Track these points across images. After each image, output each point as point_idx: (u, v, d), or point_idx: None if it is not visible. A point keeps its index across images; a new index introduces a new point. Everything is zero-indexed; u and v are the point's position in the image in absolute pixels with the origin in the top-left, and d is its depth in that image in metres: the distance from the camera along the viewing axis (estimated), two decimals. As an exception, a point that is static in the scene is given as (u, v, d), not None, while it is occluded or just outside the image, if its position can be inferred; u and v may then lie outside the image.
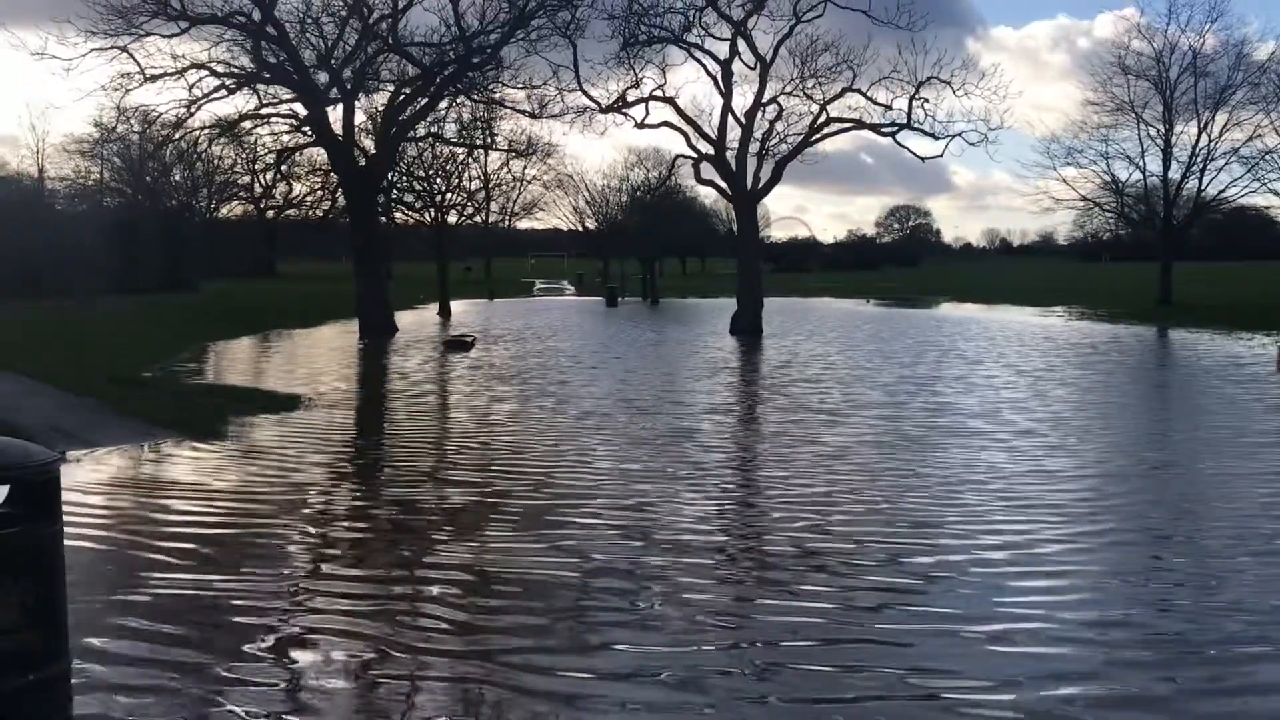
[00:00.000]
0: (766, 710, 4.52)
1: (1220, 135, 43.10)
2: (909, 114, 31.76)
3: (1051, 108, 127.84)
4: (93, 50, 27.06)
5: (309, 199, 57.88)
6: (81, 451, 10.73)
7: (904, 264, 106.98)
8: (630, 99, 32.16)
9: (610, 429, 12.59)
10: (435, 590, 6.12)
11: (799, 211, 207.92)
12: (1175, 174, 44.26)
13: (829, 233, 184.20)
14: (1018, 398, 15.47)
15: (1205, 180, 44.22)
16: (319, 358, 23.56)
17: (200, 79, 28.50)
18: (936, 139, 32.24)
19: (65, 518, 4.59)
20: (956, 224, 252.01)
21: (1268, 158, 41.52)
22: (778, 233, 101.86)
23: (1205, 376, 18.82)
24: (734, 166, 32.26)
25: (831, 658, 5.06)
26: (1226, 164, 43.60)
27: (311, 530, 7.81)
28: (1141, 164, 45.55)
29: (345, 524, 8.05)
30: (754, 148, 32.39)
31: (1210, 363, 21.15)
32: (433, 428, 13.46)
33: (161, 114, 29.68)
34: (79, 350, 20.09)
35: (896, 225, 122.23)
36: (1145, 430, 12.86)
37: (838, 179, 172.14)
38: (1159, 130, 44.17)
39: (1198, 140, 43.60)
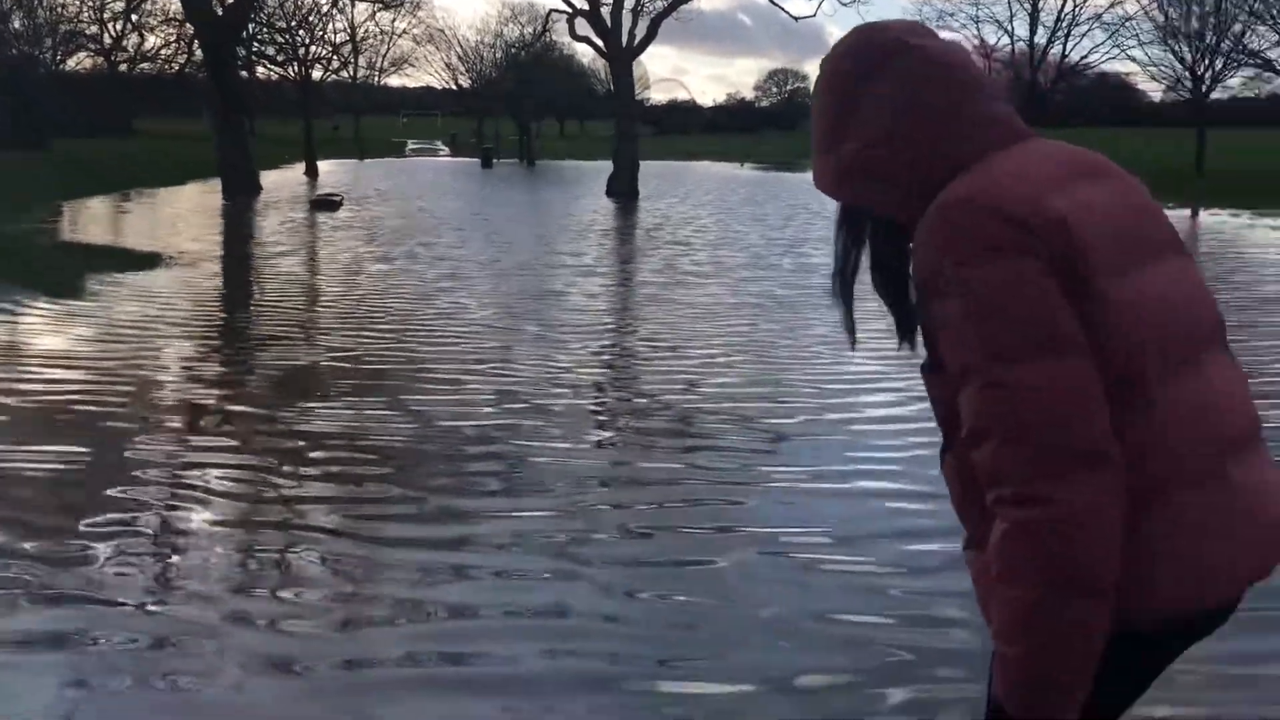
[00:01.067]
0: (625, 570, 4.57)
1: (1084, 1, 44.06)
2: (784, -28, 31.55)
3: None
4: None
5: (164, 52, 54.84)
6: (-75, 311, 10.33)
7: (783, 128, 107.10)
8: (502, -50, 31.15)
9: (477, 291, 12.60)
10: (298, 458, 5.96)
11: (678, 73, 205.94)
12: (1042, 39, 45.14)
13: (708, 95, 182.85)
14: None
15: (1069, 45, 45.27)
16: (180, 217, 22.77)
17: (37, -83, 26.55)
18: (811, -1, 32.15)
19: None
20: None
21: (1127, 24, 42.71)
22: (657, 95, 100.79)
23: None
24: (609, 23, 31.70)
25: (675, 516, 5.03)
26: (1090, 30, 44.71)
27: (170, 393, 7.71)
28: (1010, 28, 46.31)
29: (205, 387, 7.95)
30: (629, 3, 31.87)
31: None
32: (296, 288, 13.25)
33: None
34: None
35: (775, 89, 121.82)
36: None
37: (716, 40, 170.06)
38: (1028, -5, 44.80)
39: (1063, 5, 44.45)
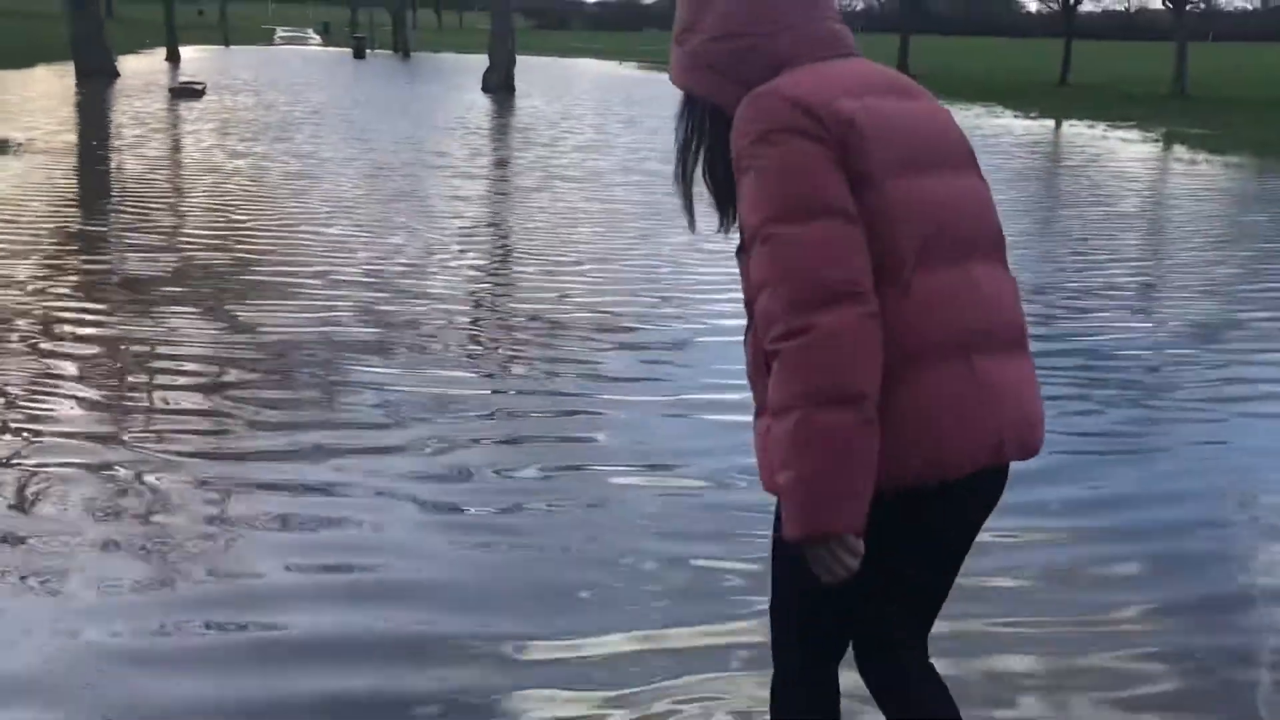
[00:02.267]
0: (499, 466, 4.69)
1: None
2: None
3: None
4: None
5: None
6: None
7: (667, 27, 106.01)
8: None
9: (335, 193, 12.26)
10: (141, 369, 5.78)
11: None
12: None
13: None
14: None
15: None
16: (29, 101, 21.61)
17: None
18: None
19: None
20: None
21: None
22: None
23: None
24: (486, -88, 30.75)
25: (539, 447, 4.85)
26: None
27: (18, 291, 7.40)
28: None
29: (43, 288, 7.64)
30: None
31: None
32: (147, 183, 12.75)
33: None
34: None
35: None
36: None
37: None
38: (909, -101, 44.87)
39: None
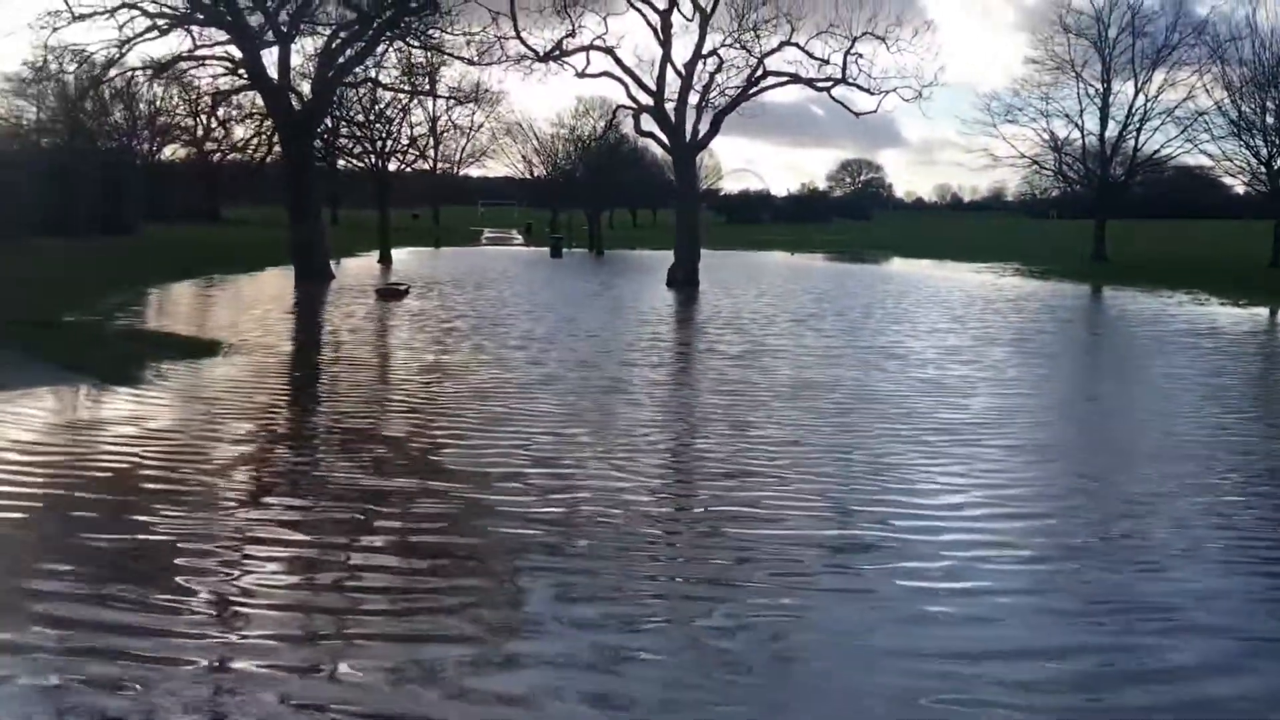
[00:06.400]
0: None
1: (1156, 95, 43.86)
2: (844, 69, 31.91)
3: (1006, 59, 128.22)
4: (17, -14, 26.45)
5: (251, 143, 56.97)
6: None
7: (855, 218, 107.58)
8: (569, 48, 31.97)
9: (505, 400, 12.66)
10: (344, 566, 6.11)
11: (750, 163, 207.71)
12: (1112, 133, 44.84)
13: (782, 185, 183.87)
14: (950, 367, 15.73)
15: (1141, 139, 44.89)
16: (251, 305, 23.46)
17: (131, 18, 27.99)
18: (872, 94, 32.45)
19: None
20: (908, 178, 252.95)
21: (1200, 119, 42.18)
22: (730, 184, 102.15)
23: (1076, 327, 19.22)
24: (673, 118, 32.24)
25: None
26: (1162, 124, 44.26)
27: (223, 483, 7.85)
28: (1080, 122, 46.15)
29: (263, 484, 8.10)
30: (693, 99, 32.41)
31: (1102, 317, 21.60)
32: (340, 385, 13.46)
33: (92, 54, 29.18)
34: (2, 294, 19.81)
35: (848, 179, 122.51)
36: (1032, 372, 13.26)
37: (789, 130, 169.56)
38: (1097, 89, 44.75)
39: (1134, 100, 44.20)
